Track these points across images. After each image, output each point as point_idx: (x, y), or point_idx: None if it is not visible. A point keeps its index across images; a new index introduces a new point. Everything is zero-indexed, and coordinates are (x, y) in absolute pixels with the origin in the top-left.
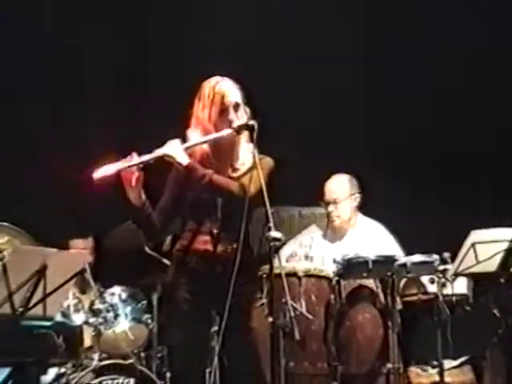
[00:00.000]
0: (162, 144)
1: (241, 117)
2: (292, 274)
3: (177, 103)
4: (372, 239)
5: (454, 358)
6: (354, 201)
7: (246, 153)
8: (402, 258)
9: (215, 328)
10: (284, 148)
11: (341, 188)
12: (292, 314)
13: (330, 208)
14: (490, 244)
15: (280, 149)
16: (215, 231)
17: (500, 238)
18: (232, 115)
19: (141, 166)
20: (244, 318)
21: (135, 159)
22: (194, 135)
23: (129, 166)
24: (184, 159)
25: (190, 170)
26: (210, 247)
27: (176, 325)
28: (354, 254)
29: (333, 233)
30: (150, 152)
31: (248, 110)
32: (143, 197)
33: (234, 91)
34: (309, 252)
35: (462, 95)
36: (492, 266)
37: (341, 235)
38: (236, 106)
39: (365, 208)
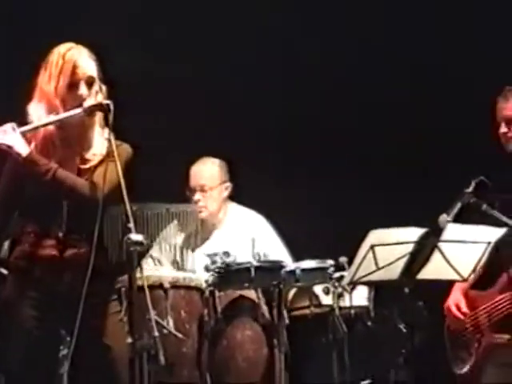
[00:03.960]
0: None
1: (94, 94)
2: (157, 286)
3: (16, 71)
4: (249, 234)
5: (353, 383)
6: (225, 190)
7: (99, 140)
8: (289, 264)
9: (64, 351)
10: (146, 132)
11: (210, 173)
12: (156, 333)
13: (197, 196)
14: (391, 246)
15: (141, 133)
16: (60, 234)
17: (403, 238)
18: (83, 90)
19: None
20: (98, 335)
21: None
22: (37, 111)
23: None
24: (23, 149)
25: (29, 161)
26: (55, 252)
27: (18, 348)
28: (223, 252)
29: (201, 229)
30: None
31: (105, 88)
32: None
33: (88, 62)
34: (176, 256)
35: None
36: (394, 272)
37: (209, 232)
38: (89, 80)
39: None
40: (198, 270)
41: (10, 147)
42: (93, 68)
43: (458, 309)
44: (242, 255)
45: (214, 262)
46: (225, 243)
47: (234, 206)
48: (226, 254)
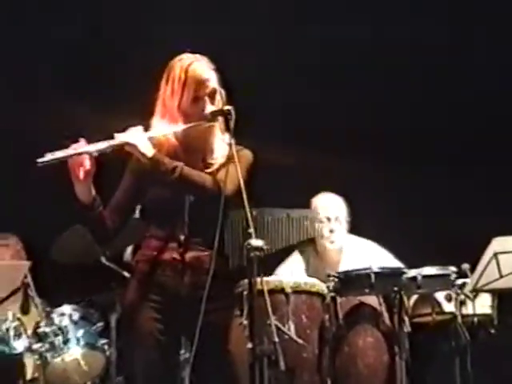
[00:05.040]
0: (121, 131)
1: (217, 104)
2: (278, 291)
3: (138, 86)
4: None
5: None
6: (347, 225)
7: (220, 145)
8: (411, 270)
9: (186, 354)
10: (266, 139)
11: (341, 207)
12: (277, 338)
13: (333, 225)
14: None
15: (261, 139)
16: (182, 237)
17: None
18: (208, 104)
19: (94, 155)
20: (220, 339)
21: (88, 146)
22: (160, 125)
23: (79, 153)
24: (149, 149)
25: (155, 162)
26: (176, 256)
27: (141, 351)
28: None
29: (321, 262)
30: (106, 139)
31: (223, 92)
32: (93, 192)
33: (210, 74)
34: None
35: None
36: None
37: (333, 264)
38: (212, 94)
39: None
40: None
41: (133, 146)
42: (214, 79)
43: None
44: None
45: None
46: None
47: (349, 238)
48: None
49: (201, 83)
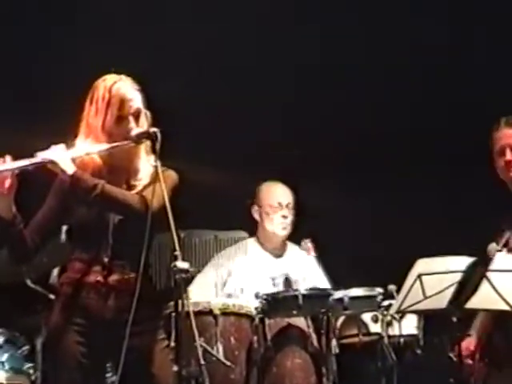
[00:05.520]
0: (43, 149)
1: (141, 125)
2: (206, 312)
3: (61, 106)
4: (302, 271)
5: None
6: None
7: (145, 166)
8: (338, 291)
9: (112, 378)
10: (190, 159)
11: (290, 194)
12: (203, 360)
13: (284, 212)
14: (439, 276)
15: (185, 160)
16: (106, 259)
17: (451, 267)
18: (132, 124)
19: (16, 172)
20: (144, 363)
21: (10, 163)
22: (84, 146)
23: (1, 171)
24: (70, 167)
25: (76, 179)
26: (100, 278)
27: (62, 373)
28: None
29: (268, 249)
30: (29, 156)
31: (149, 114)
32: (14, 209)
33: (134, 94)
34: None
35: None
36: (442, 301)
37: (279, 254)
38: (137, 114)
39: None
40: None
41: (54, 163)
42: (139, 99)
43: None
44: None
45: (275, 285)
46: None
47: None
48: (287, 279)
49: (124, 102)
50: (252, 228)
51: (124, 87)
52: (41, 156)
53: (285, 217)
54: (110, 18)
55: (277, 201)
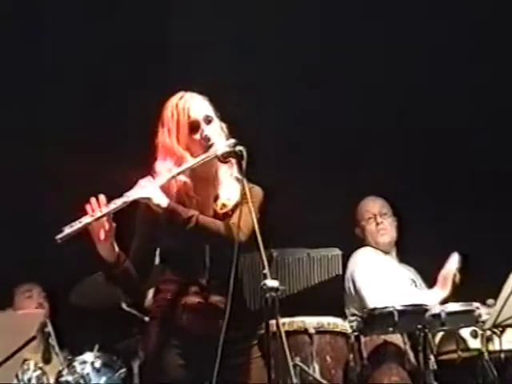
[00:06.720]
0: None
1: (216, 132)
2: (301, 331)
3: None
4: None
5: None
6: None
7: (230, 182)
8: (435, 307)
9: None
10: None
11: (386, 204)
12: (295, 380)
13: (379, 219)
14: None
15: (270, 175)
16: (204, 281)
17: None
18: (206, 130)
19: (111, 215)
20: (242, 380)
21: (106, 208)
22: (164, 166)
23: (97, 218)
24: (163, 199)
25: (170, 212)
26: (200, 300)
27: None
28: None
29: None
30: (118, 197)
31: (224, 126)
32: (116, 249)
33: (201, 103)
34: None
35: None
36: None
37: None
38: (208, 118)
39: None
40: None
41: (148, 199)
42: (207, 107)
43: None
44: None
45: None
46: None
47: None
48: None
49: (192, 111)
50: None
51: (189, 99)
52: (133, 195)
53: (378, 223)
54: None
55: (372, 212)
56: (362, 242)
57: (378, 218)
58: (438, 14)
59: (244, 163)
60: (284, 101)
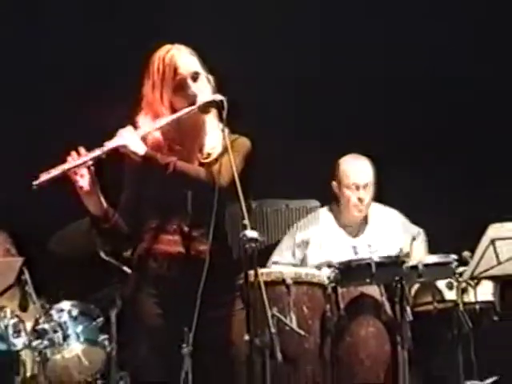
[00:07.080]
0: (110, 136)
1: (203, 88)
2: (279, 282)
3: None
4: (391, 232)
5: (480, 380)
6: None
7: (215, 132)
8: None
9: (189, 348)
10: (261, 126)
11: (369, 171)
12: (274, 329)
13: (362, 194)
14: None
15: (257, 127)
16: (186, 229)
17: None
18: (192, 88)
19: (90, 163)
20: (222, 332)
21: (83, 157)
22: (145, 123)
23: (76, 166)
24: (140, 147)
25: (148, 159)
26: (181, 249)
27: (142, 345)
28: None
29: (345, 227)
30: (98, 146)
31: (212, 78)
32: (104, 203)
33: (189, 58)
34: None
35: None
36: None
37: (356, 231)
38: (195, 75)
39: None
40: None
41: (125, 146)
42: (195, 63)
43: None
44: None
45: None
46: (371, 240)
47: (374, 205)
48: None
49: (179, 67)
50: (324, 196)
51: (177, 54)
52: (112, 142)
53: (361, 200)
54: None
55: (353, 182)
56: (334, 197)
57: (361, 190)
58: (438, 14)
59: (224, 113)
60: (284, 102)
